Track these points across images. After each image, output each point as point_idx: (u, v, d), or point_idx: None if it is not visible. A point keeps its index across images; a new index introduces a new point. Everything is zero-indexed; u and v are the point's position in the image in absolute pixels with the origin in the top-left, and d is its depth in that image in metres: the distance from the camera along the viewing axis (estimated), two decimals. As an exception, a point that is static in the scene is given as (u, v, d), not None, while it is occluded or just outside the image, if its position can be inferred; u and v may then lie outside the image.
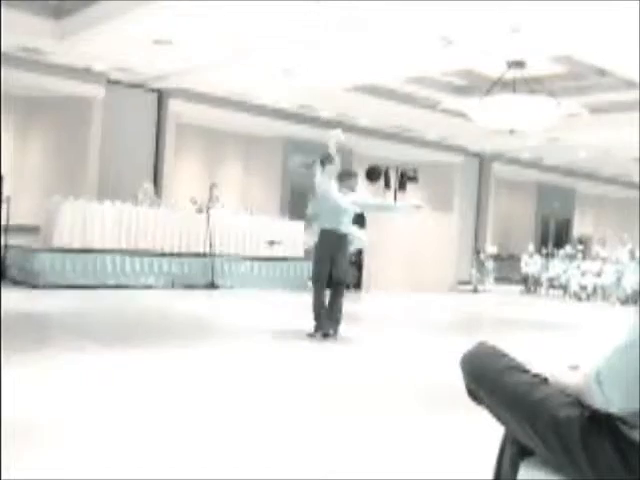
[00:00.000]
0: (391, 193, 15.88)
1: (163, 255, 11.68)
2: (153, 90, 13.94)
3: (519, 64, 11.03)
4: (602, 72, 11.57)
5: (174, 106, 14.21)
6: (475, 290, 16.96)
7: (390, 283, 14.03)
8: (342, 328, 7.26)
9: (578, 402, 1.87)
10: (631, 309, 14.32)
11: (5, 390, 3.99)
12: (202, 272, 11.99)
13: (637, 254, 17.31)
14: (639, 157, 17.67)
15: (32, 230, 11.55)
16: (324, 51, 10.56)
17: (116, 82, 13.33)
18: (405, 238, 15.06)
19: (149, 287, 11.29)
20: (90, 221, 11.09)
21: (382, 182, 15.82)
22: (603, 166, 21.38)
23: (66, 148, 13.46)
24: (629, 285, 16.06)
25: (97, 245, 11.08)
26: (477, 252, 18.65)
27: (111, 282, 10.97)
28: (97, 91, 13.09)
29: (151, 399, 4.19)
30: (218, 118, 15.40)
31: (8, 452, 2.95)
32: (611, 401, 1.73)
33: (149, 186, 12.77)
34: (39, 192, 12.77)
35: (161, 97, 14.12)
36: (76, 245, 10.90)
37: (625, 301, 15.81)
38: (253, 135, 16.96)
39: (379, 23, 9.03)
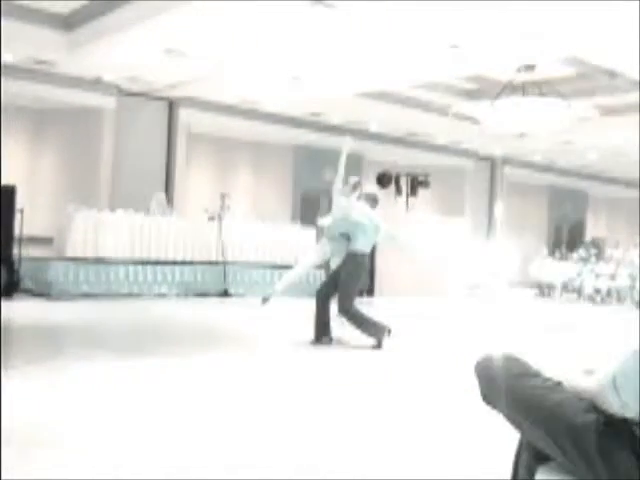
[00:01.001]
0: (402, 198, 15.87)
1: (176, 264, 11.71)
2: (164, 99, 14.02)
3: (529, 67, 11.02)
4: (612, 73, 11.53)
5: (185, 115, 14.29)
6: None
7: (402, 288, 13.98)
8: (355, 334, 7.29)
9: (594, 407, 1.85)
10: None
11: (20, 399, 4.02)
12: (215, 280, 12.01)
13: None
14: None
15: (46, 241, 11.63)
16: (334, 58, 10.58)
17: (127, 92, 13.41)
18: (417, 243, 15.01)
19: (162, 296, 11.32)
20: (103, 231, 11.15)
21: (393, 188, 15.83)
22: (615, 168, 21.29)
23: (78, 159, 13.55)
24: (644, 288, 15.94)
25: (110, 255, 11.13)
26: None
27: (124, 291, 11.00)
28: (108, 101, 13.17)
29: (165, 407, 4.19)
30: (229, 126, 15.45)
31: (23, 458, 2.97)
32: (627, 406, 1.72)
33: (161, 195, 12.81)
34: (52, 203, 12.85)
35: (172, 106, 14.20)
36: (89, 255, 10.95)
37: (640, 304, 15.69)
38: (263, 143, 17.01)
39: (389, 29, 9.03)
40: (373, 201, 7.53)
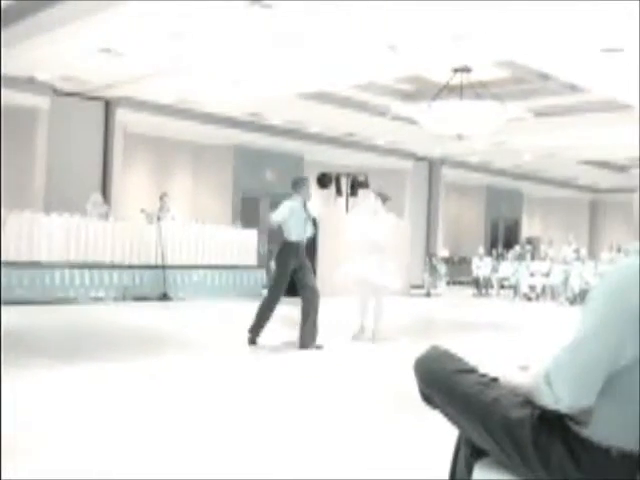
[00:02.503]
0: (343, 199, 15.97)
1: (113, 267, 11.51)
2: (100, 99, 13.76)
3: (465, 70, 11.22)
4: (545, 76, 11.84)
5: (121, 115, 14.04)
6: (428, 294, 17.11)
7: (343, 288, 14.03)
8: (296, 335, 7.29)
9: (529, 402, 1.90)
10: (579, 309, 14.65)
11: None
12: (154, 283, 11.85)
13: (582, 254, 17.73)
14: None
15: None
16: (272, 58, 10.56)
17: (62, 92, 13.11)
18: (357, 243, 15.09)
19: (100, 300, 11.11)
20: (37, 234, 10.87)
21: (333, 188, 15.92)
22: (549, 169, 21.88)
23: (11, 159, 13.15)
24: (577, 285, 16.42)
25: (45, 258, 10.86)
26: (429, 256, 18.84)
27: (60, 296, 10.76)
28: (42, 101, 12.86)
29: (104, 413, 4.12)
30: (167, 127, 15.27)
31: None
32: (560, 400, 1.77)
33: (98, 197, 12.57)
34: (-17, 206, 12.46)
35: (108, 106, 13.94)
36: (23, 259, 10.65)
37: (573, 300, 16.16)
38: (203, 144, 16.87)
39: (327, 29, 9.07)
40: (295, 185, 7.45)
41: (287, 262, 7.18)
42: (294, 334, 7.22)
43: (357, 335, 8.15)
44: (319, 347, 7.11)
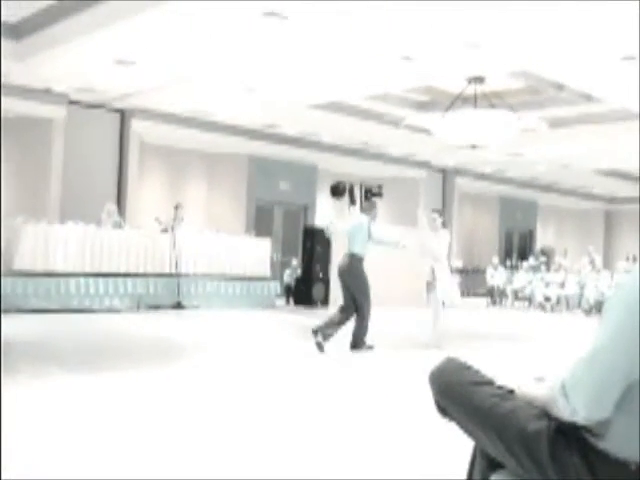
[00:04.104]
0: (356, 209, 15.92)
1: (128, 276, 11.55)
2: (115, 110, 13.86)
3: (479, 80, 11.21)
4: (559, 86, 11.81)
5: (137, 126, 14.14)
6: (442, 304, 17.01)
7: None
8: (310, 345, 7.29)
9: (545, 414, 1.89)
10: (594, 319, 14.53)
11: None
12: (168, 292, 11.88)
13: (598, 264, 17.62)
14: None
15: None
16: (287, 69, 10.61)
17: (77, 102, 13.22)
18: (370, 253, 15.09)
19: (114, 309, 11.14)
20: (53, 243, 10.93)
21: (347, 198, 15.87)
22: (563, 179, 21.78)
23: (27, 170, 13.30)
24: (592, 295, 16.31)
25: (60, 268, 10.91)
26: (443, 266, 18.74)
27: (75, 305, 10.80)
28: (58, 112, 12.97)
29: (122, 422, 4.13)
30: (181, 137, 15.35)
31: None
32: (577, 412, 1.76)
33: (112, 206, 12.64)
34: None
35: (123, 117, 14.04)
36: (38, 268, 10.71)
37: (588, 311, 16.05)
38: (217, 153, 16.94)
39: (341, 40, 9.10)
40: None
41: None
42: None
43: (429, 343, 8.82)
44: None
